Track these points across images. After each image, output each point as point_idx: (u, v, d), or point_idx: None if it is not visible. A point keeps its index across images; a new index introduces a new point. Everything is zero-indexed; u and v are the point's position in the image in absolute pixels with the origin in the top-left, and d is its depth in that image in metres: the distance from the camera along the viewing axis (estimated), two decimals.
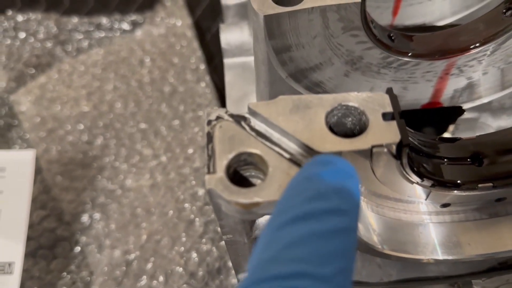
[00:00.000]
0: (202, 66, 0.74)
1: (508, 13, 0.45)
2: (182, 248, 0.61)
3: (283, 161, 0.33)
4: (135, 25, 0.78)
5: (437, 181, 0.38)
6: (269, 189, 0.32)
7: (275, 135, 0.33)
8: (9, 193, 0.57)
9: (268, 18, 0.39)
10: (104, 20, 0.78)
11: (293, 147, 0.33)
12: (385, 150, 0.33)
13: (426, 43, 0.46)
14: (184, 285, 0.59)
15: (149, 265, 0.60)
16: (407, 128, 0.34)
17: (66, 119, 0.70)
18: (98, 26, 0.78)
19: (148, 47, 0.76)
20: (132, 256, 0.60)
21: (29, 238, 0.58)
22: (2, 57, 0.75)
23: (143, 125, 0.69)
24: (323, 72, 0.45)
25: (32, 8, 0.79)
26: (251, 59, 0.55)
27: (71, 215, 0.63)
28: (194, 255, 0.60)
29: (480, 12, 0.58)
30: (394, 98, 0.34)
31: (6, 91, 0.72)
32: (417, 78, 0.48)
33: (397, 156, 0.34)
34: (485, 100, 0.52)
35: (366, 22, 0.41)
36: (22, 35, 0.77)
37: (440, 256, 0.40)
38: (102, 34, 0.77)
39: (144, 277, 0.59)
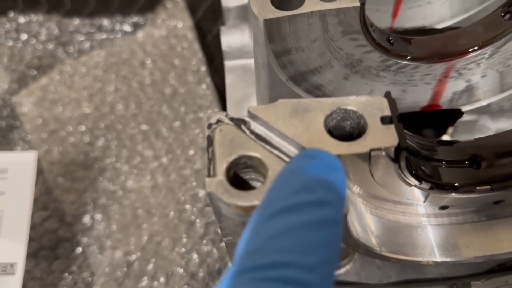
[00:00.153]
0: (203, 68, 0.74)
1: (507, 16, 0.45)
2: (183, 249, 0.61)
3: (283, 164, 0.33)
4: (136, 26, 0.78)
5: (435, 183, 0.38)
6: None
7: (274, 139, 0.34)
8: (11, 194, 0.57)
9: (268, 22, 0.39)
10: (105, 22, 0.79)
11: (292, 150, 0.33)
12: (384, 153, 0.34)
13: (425, 46, 0.47)
14: (185, 286, 0.59)
15: (150, 266, 0.60)
16: (405, 131, 0.35)
17: (67, 121, 0.70)
18: (100, 28, 0.78)
19: (149, 48, 0.76)
20: (133, 257, 0.61)
21: (30, 239, 0.58)
22: (4, 58, 0.75)
23: (144, 127, 0.70)
24: (323, 75, 0.46)
25: (34, 9, 0.79)
26: (251, 61, 0.55)
27: (72, 216, 0.63)
28: (194, 256, 0.61)
29: (479, 15, 0.58)
30: (392, 102, 0.34)
31: (8, 92, 0.73)
32: (416, 81, 0.48)
33: (396, 159, 0.34)
34: (484, 102, 0.52)
35: (365, 26, 0.42)
36: (24, 36, 0.77)
37: (438, 258, 0.40)
38: (104, 36, 0.78)
39: (145, 278, 0.60)
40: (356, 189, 0.38)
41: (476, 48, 0.46)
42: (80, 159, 0.67)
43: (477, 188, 0.39)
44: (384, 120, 0.34)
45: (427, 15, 0.60)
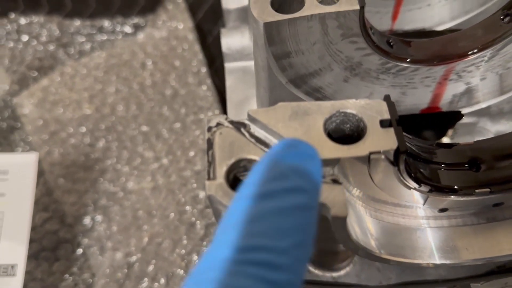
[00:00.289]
0: (204, 69, 0.74)
1: (506, 19, 0.45)
2: (183, 251, 0.61)
3: None
4: (137, 28, 0.78)
5: (435, 186, 0.38)
6: None
7: (274, 142, 0.34)
8: (12, 195, 0.57)
9: (268, 25, 0.40)
10: (106, 23, 0.79)
11: None
12: (383, 156, 0.34)
13: (424, 49, 0.47)
14: None
15: (151, 268, 0.60)
16: (404, 133, 0.35)
17: (68, 122, 0.70)
18: (100, 29, 0.78)
19: (150, 50, 0.76)
20: (134, 258, 0.61)
21: (31, 240, 0.58)
22: (5, 60, 0.75)
23: (144, 128, 0.70)
24: (323, 77, 0.46)
25: (35, 10, 0.80)
26: (251, 63, 0.55)
27: (73, 217, 0.64)
28: (195, 257, 0.61)
29: (479, 17, 0.58)
30: (391, 105, 0.35)
31: (9, 93, 0.73)
32: (416, 83, 0.48)
33: (395, 162, 0.35)
34: (483, 105, 0.52)
35: (365, 29, 0.42)
36: (25, 38, 0.77)
37: (438, 260, 0.41)
38: (104, 37, 0.78)
39: (146, 279, 0.60)
40: (355, 191, 0.38)
41: (475, 50, 0.46)
42: (81, 160, 0.67)
43: (477, 190, 0.39)
44: (384, 124, 0.34)
45: (427, 17, 0.61)
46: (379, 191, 0.39)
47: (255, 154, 0.33)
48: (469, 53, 0.47)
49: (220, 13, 0.71)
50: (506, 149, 0.41)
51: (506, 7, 0.46)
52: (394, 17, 0.60)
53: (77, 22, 0.79)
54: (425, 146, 0.40)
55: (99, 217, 0.64)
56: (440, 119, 0.53)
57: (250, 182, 0.27)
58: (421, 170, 0.38)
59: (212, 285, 0.23)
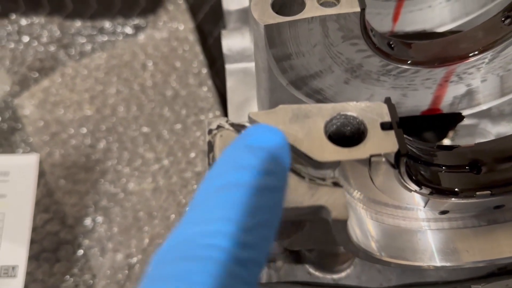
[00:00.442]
0: (204, 70, 0.74)
1: (507, 21, 0.45)
2: None
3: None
4: (137, 29, 0.78)
5: (435, 189, 0.38)
6: None
7: None
8: (13, 197, 0.57)
9: (269, 28, 0.40)
10: (107, 24, 0.79)
11: (292, 156, 0.34)
12: (384, 159, 0.34)
13: (425, 51, 0.47)
14: None
15: None
16: (405, 136, 0.35)
17: (69, 123, 0.70)
18: (101, 30, 0.78)
19: (150, 51, 0.76)
20: (135, 259, 0.61)
21: (32, 241, 0.58)
22: (6, 61, 0.76)
23: (145, 129, 0.70)
24: (323, 79, 0.46)
25: (36, 11, 0.80)
26: (252, 64, 0.55)
27: (74, 218, 0.64)
28: None
29: (479, 19, 0.58)
30: (392, 108, 0.35)
31: (10, 94, 0.73)
32: (416, 85, 0.48)
33: (395, 165, 0.35)
34: (484, 106, 0.52)
35: (366, 31, 0.42)
36: (26, 39, 0.77)
37: (438, 263, 0.41)
38: (105, 38, 0.78)
39: None
40: (356, 194, 0.38)
41: (476, 52, 0.46)
42: (82, 161, 0.67)
43: (477, 193, 0.39)
44: (384, 126, 0.34)
45: (428, 19, 0.60)
46: (380, 193, 0.39)
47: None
48: (470, 55, 0.47)
49: (220, 14, 0.71)
50: (507, 151, 0.41)
51: (507, 9, 0.46)
52: (395, 18, 0.60)
53: (78, 23, 0.79)
54: (425, 148, 0.40)
55: (99, 218, 0.64)
56: (441, 121, 0.53)
57: (220, 163, 0.28)
58: (422, 173, 0.38)
59: (178, 262, 0.24)
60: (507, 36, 0.46)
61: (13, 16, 0.79)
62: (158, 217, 0.64)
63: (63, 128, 0.70)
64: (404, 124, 0.34)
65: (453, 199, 0.39)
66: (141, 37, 0.78)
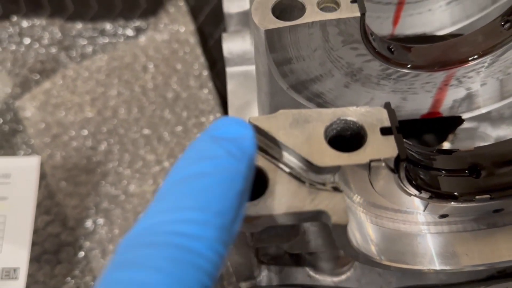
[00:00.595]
0: (205, 72, 0.74)
1: (507, 25, 0.46)
2: None
3: (283, 175, 0.34)
4: (138, 31, 0.79)
5: (435, 193, 0.38)
6: (269, 203, 0.32)
7: (275, 149, 0.34)
8: (14, 199, 0.58)
9: (269, 32, 0.40)
10: (108, 26, 0.79)
11: (293, 161, 0.34)
12: (383, 164, 0.34)
13: (425, 55, 0.47)
14: None
15: None
16: (404, 140, 0.35)
17: (70, 125, 0.71)
18: (102, 32, 0.79)
19: (151, 53, 0.77)
20: None
21: (33, 243, 0.58)
22: (7, 63, 0.76)
23: (146, 131, 0.70)
24: (324, 83, 0.46)
25: (37, 13, 0.80)
26: (253, 67, 0.56)
27: (75, 220, 0.64)
28: None
29: (479, 22, 0.58)
30: (391, 113, 0.35)
31: (11, 96, 0.73)
32: (416, 89, 0.49)
33: (395, 169, 0.35)
34: (484, 110, 0.52)
35: (366, 35, 0.42)
36: (27, 40, 0.78)
37: (438, 266, 0.41)
38: (106, 40, 0.78)
39: None
40: (356, 198, 0.39)
41: (476, 56, 0.47)
42: (83, 163, 0.68)
43: (477, 197, 0.39)
44: (384, 131, 0.34)
45: (428, 22, 0.61)
46: (380, 197, 0.39)
47: (256, 161, 0.33)
48: (470, 59, 0.47)
49: (221, 16, 0.71)
50: (506, 155, 0.41)
51: (506, 14, 0.46)
52: (395, 22, 0.60)
53: (79, 25, 0.79)
54: (425, 152, 0.40)
55: (101, 220, 0.64)
56: (440, 124, 0.53)
57: (186, 156, 0.28)
58: (422, 177, 0.38)
59: (140, 248, 0.24)
60: (506, 40, 0.46)
61: (14, 18, 0.79)
62: None
63: (64, 130, 0.70)
64: (404, 128, 0.35)
65: (452, 203, 0.39)
66: (142, 39, 0.78)
